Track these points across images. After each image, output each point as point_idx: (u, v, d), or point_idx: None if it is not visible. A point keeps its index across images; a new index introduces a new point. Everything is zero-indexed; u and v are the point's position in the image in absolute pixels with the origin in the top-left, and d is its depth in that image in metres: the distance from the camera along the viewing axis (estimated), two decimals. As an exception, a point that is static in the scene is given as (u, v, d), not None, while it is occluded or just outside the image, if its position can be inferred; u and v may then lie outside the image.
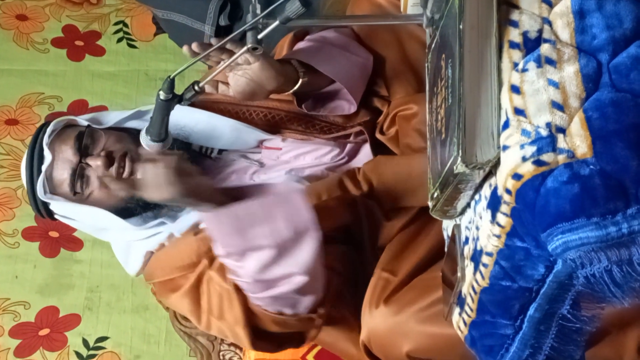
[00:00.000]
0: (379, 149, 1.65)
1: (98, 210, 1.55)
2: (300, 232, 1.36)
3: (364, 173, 1.57)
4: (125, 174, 1.52)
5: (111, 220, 1.56)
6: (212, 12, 1.97)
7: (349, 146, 1.67)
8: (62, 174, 1.53)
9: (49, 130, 1.57)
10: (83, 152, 1.53)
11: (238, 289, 1.46)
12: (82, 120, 1.62)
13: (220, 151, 1.67)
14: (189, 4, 2.01)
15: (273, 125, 1.63)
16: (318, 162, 1.65)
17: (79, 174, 1.53)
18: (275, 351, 1.61)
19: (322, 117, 1.63)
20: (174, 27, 2.07)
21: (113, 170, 1.51)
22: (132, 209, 1.57)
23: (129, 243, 1.63)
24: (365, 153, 1.66)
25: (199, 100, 1.61)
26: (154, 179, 1.41)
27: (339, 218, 1.53)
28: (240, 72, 1.41)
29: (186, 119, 1.59)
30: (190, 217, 1.57)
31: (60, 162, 1.54)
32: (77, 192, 1.54)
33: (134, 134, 1.53)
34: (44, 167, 1.54)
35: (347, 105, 1.62)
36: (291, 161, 1.65)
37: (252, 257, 1.38)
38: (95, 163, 1.52)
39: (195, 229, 1.54)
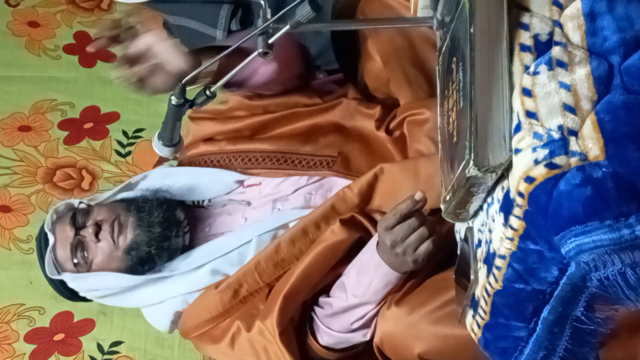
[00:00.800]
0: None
1: (105, 274, 1.65)
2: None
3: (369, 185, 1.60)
4: (116, 234, 1.64)
5: (119, 279, 1.66)
6: (223, 18, 1.96)
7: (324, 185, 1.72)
8: (64, 251, 1.66)
9: (48, 216, 1.72)
10: (78, 227, 1.66)
11: (284, 337, 1.54)
12: (77, 201, 1.75)
13: (210, 200, 1.75)
14: (200, 10, 2.01)
15: (250, 167, 1.72)
16: (296, 186, 1.69)
17: (75, 246, 1.65)
18: None
19: (293, 151, 1.69)
20: (186, 32, 2.06)
21: (107, 234, 1.63)
22: (134, 267, 1.65)
23: (154, 306, 1.73)
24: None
25: (185, 157, 1.80)
26: None
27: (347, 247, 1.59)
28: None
29: (170, 179, 1.76)
30: (200, 272, 1.65)
31: (61, 241, 1.67)
32: (78, 263, 1.66)
33: (126, 201, 1.70)
34: (49, 250, 1.68)
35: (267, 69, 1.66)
36: (272, 193, 1.70)
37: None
38: (88, 232, 1.65)
39: (215, 282, 1.64)
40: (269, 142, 1.73)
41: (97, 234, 1.64)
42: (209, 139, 1.79)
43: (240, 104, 1.77)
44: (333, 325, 1.57)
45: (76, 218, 1.67)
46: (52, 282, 1.72)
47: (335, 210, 1.58)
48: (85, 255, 1.65)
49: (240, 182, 1.74)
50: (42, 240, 1.72)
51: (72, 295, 1.74)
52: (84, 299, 1.77)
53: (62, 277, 1.69)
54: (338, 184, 1.66)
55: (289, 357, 1.55)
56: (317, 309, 1.59)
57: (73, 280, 1.69)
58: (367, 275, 1.49)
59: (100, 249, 1.65)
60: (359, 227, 1.57)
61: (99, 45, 1.50)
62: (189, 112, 1.69)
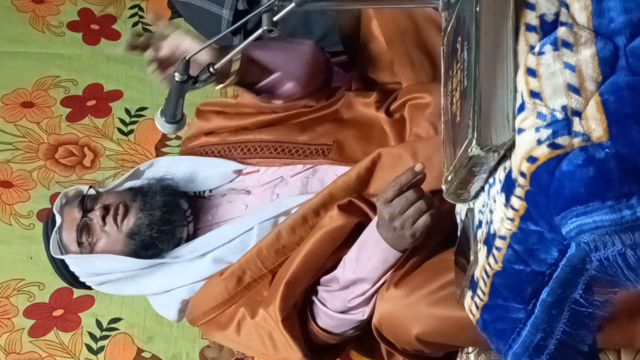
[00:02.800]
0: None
1: (107, 256, 1.68)
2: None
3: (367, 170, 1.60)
4: (120, 218, 1.67)
5: (122, 262, 1.67)
6: None
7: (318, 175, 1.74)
8: (70, 232, 1.69)
9: (58, 199, 1.75)
10: (86, 209, 1.69)
11: (287, 323, 1.56)
12: (87, 187, 1.78)
13: (212, 190, 1.78)
14: None
15: (249, 157, 1.75)
16: (293, 172, 1.71)
17: (81, 227, 1.68)
18: None
19: (290, 140, 1.72)
20: (191, 10, 2.06)
21: (111, 218, 1.67)
22: (137, 250, 1.67)
23: (161, 295, 1.75)
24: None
25: (186, 148, 1.84)
26: None
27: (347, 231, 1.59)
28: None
29: (174, 168, 1.79)
30: (204, 261, 1.67)
31: (68, 222, 1.70)
32: (82, 243, 1.68)
33: (133, 189, 1.74)
34: (54, 230, 1.71)
35: (293, 86, 1.69)
36: (270, 179, 1.72)
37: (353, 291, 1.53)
38: (95, 215, 1.68)
39: (219, 270, 1.66)
40: (267, 133, 1.75)
41: (104, 218, 1.67)
42: (211, 132, 1.82)
43: (250, 102, 1.78)
44: (331, 305, 1.57)
45: (85, 202, 1.71)
46: (54, 263, 1.74)
47: (333, 197, 1.59)
48: (90, 237, 1.68)
49: (239, 172, 1.76)
50: (49, 222, 1.75)
51: (73, 279, 1.76)
52: (84, 285, 1.78)
53: (64, 258, 1.71)
54: (333, 169, 1.68)
55: (292, 343, 1.56)
56: (318, 288, 1.60)
57: (75, 263, 1.72)
58: (367, 251, 1.50)
59: (104, 233, 1.67)
60: (357, 211, 1.58)
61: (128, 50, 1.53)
62: (197, 106, 1.79)
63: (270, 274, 1.63)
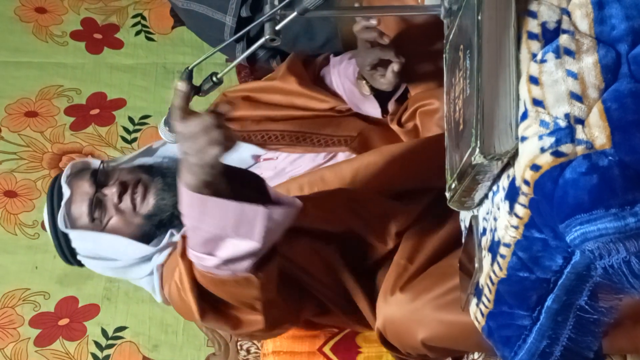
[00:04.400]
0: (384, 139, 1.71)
1: (117, 238, 1.62)
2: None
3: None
4: (139, 199, 1.61)
5: (130, 246, 1.62)
6: (234, 3, 1.96)
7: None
8: (81, 206, 1.63)
9: (66, 171, 1.69)
10: (98, 184, 1.64)
11: (184, 255, 1.42)
12: (97, 161, 1.72)
13: None
14: None
15: (269, 143, 1.73)
16: (313, 164, 1.70)
17: (95, 203, 1.62)
18: (233, 330, 1.53)
19: (314, 131, 1.71)
20: (194, 17, 2.06)
21: (128, 197, 1.61)
22: (149, 232, 1.63)
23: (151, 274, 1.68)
24: None
25: None
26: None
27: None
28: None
29: None
30: None
31: (78, 195, 1.64)
32: (95, 218, 1.62)
33: (146, 167, 1.69)
34: (63, 202, 1.64)
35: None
36: (288, 168, 1.71)
37: (199, 234, 1.32)
38: (110, 191, 1.62)
39: None
40: (291, 124, 1.73)
41: (120, 195, 1.62)
42: (232, 119, 1.77)
43: (285, 90, 1.76)
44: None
45: (97, 176, 1.65)
46: (55, 235, 1.68)
47: (324, 181, 1.60)
48: (102, 214, 1.63)
49: (257, 157, 1.73)
50: (54, 192, 1.68)
51: (70, 256, 1.70)
52: (78, 263, 1.72)
53: (69, 232, 1.65)
54: None
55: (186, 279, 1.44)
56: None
57: (80, 239, 1.66)
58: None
59: (119, 211, 1.62)
60: None
61: None
62: (223, 90, 1.73)
63: None
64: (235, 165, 1.36)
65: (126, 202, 1.63)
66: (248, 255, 1.31)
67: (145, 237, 1.64)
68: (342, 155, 1.71)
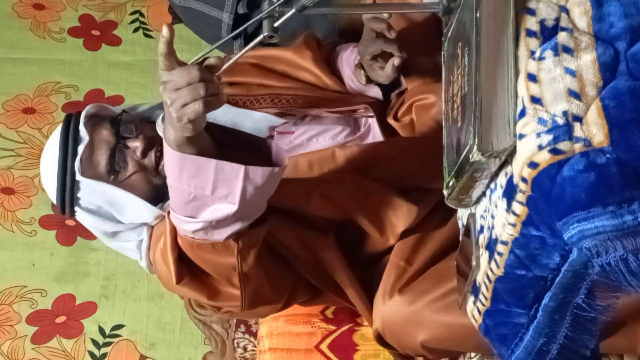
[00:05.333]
0: (386, 131, 1.67)
1: (131, 197, 1.52)
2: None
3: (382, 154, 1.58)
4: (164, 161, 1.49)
5: (142, 208, 1.53)
6: (230, 0, 1.96)
7: (362, 128, 1.69)
8: (100, 155, 1.52)
9: (84, 113, 1.55)
10: (120, 135, 1.53)
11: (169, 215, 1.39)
12: (119, 109, 1.62)
13: None
14: None
15: (281, 109, 1.64)
16: (331, 142, 1.65)
17: (117, 154, 1.51)
18: (209, 300, 1.49)
19: (327, 97, 1.65)
20: (192, 14, 2.06)
21: (152, 154, 1.52)
22: (161, 195, 1.54)
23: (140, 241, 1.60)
24: (376, 135, 1.68)
25: None
26: None
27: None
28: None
29: (208, 116, 1.58)
30: None
31: (98, 142, 1.52)
32: (114, 171, 1.51)
33: None
34: (80, 148, 1.51)
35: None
36: (304, 144, 1.65)
37: (179, 192, 1.29)
38: (134, 145, 1.52)
39: None
40: (303, 89, 1.65)
41: (144, 151, 1.52)
42: (235, 83, 1.69)
43: (297, 64, 1.70)
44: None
45: (119, 125, 1.54)
46: (62, 181, 1.53)
47: (334, 158, 1.58)
48: (123, 167, 1.52)
49: (272, 129, 1.65)
50: (70, 133, 1.53)
51: (69, 204, 1.55)
52: (71, 212, 1.57)
53: (81, 180, 1.52)
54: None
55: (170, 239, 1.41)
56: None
57: (89, 189, 1.53)
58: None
59: (141, 167, 1.53)
60: None
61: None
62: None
63: None
64: (234, 128, 1.32)
65: (150, 159, 1.52)
66: (227, 220, 1.28)
67: (157, 199, 1.55)
68: (368, 136, 1.67)
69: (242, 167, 1.23)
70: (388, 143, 1.63)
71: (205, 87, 1.14)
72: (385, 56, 1.55)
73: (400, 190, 1.56)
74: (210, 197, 1.25)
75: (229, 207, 1.26)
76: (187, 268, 1.43)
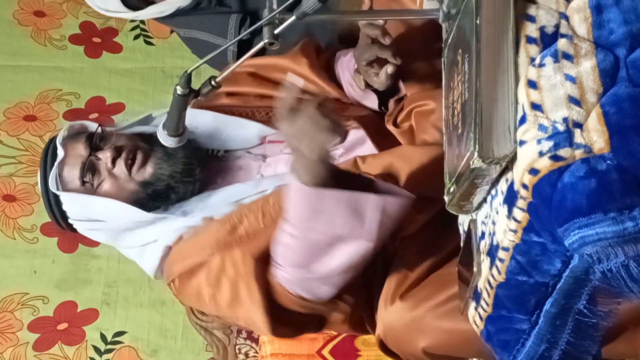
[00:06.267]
0: (379, 141, 1.67)
1: (110, 201, 1.59)
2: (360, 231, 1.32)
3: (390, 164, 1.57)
4: (136, 166, 1.59)
5: (123, 210, 1.59)
6: (232, 28, 1.99)
7: (348, 139, 1.69)
8: (73, 169, 1.61)
9: (62, 132, 1.66)
10: (93, 147, 1.61)
11: (257, 272, 1.44)
12: (95, 124, 1.69)
13: (226, 151, 1.71)
14: (210, 21, 2.02)
15: (275, 122, 1.64)
16: None
17: (88, 166, 1.60)
18: (294, 335, 1.61)
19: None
20: (197, 44, 2.09)
21: (122, 162, 1.59)
22: (143, 201, 1.60)
23: (145, 245, 1.65)
24: (365, 148, 1.68)
25: (204, 102, 1.65)
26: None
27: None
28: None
29: (190, 120, 1.57)
30: (203, 210, 1.59)
31: (72, 157, 1.61)
32: (86, 182, 1.60)
33: (145, 135, 1.65)
34: (56, 163, 1.62)
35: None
36: None
37: (310, 240, 1.35)
38: (104, 155, 1.60)
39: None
40: None
41: (114, 160, 1.60)
42: (233, 94, 1.75)
43: (294, 72, 1.68)
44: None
45: (93, 140, 1.63)
46: (46, 197, 1.65)
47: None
48: (95, 178, 1.61)
49: (263, 138, 1.69)
50: (49, 152, 1.66)
51: (62, 218, 1.67)
52: (69, 227, 1.69)
53: (60, 194, 1.62)
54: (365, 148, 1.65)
55: (257, 292, 1.47)
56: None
57: (71, 202, 1.64)
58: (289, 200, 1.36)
59: (112, 176, 1.61)
60: None
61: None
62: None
63: (265, 233, 1.48)
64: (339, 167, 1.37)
65: (120, 167, 1.60)
66: (353, 263, 1.34)
67: (138, 205, 1.60)
68: (358, 149, 1.67)
69: (375, 196, 1.28)
70: (394, 153, 1.62)
71: (328, 121, 1.24)
72: (381, 62, 1.55)
73: None
74: (342, 236, 1.31)
75: (363, 245, 1.31)
76: (279, 321, 1.49)
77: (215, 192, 1.63)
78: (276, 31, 1.26)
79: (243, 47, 1.97)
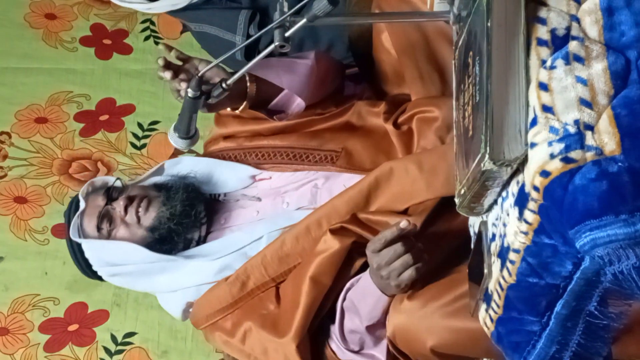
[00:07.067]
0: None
1: (122, 243, 1.72)
2: None
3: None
4: (142, 212, 1.72)
5: (134, 250, 1.71)
6: (242, 23, 1.99)
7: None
8: (92, 218, 1.75)
9: (85, 186, 1.83)
10: (110, 198, 1.76)
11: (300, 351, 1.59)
12: (114, 178, 1.84)
13: (226, 194, 1.82)
14: (219, 16, 2.03)
15: (263, 162, 1.79)
16: (305, 179, 1.73)
17: (104, 215, 1.74)
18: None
19: (301, 146, 1.75)
20: (206, 38, 2.10)
21: (133, 210, 1.72)
22: (154, 246, 1.72)
23: (168, 294, 1.80)
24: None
25: (206, 153, 1.89)
26: None
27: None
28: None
29: (196, 167, 1.83)
30: (213, 265, 1.71)
31: (91, 208, 1.76)
32: (102, 229, 1.74)
33: (157, 184, 1.80)
34: (77, 214, 1.77)
35: (301, 101, 1.73)
36: (283, 187, 1.75)
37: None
38: (118, 204, 1.74)
39: (225, 277, 1.70)
40: (280, 139, 1.78)
41: (126, 208, 1.72)
42: (228, 137, 1.85)
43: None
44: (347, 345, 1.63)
45: (110, 192, 1.77)
46: (71, 248, 1.79)
47: (336, 211, 1.61)
48: (110, 225, 1.74)
49: (253, 177, 1.79)
50: (73, 206, 1.82)
51: (87, 267, 1.80)
52: (96, 275, 1.81)
53: (81, 242, 1.76)
54: (341, 179, 1.70)
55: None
56: (332, 327, 1.64)
57: (91, 249, 1.77)
58: (362, 292, 1.56)
59: (124, 223, 1.73)
60: (350, 233, 1.59)
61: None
62: (215, 113, 1.83)
63: (273, 283, 1.66)
64: None
65: (131, 215, 1.72)
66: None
67: (150, 248, 1.72)
68: (333, 173, 1.73)
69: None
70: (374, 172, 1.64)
71: (412, 256, 1.43)
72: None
73: None
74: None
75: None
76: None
77: (215, 242, 1.75)
78: (287, 34, 1.27)
79: (252, 42, 1.98)
